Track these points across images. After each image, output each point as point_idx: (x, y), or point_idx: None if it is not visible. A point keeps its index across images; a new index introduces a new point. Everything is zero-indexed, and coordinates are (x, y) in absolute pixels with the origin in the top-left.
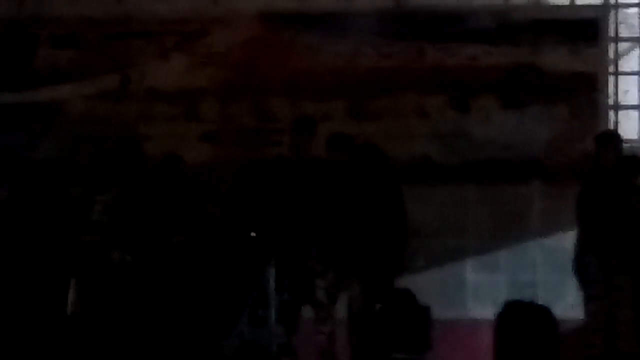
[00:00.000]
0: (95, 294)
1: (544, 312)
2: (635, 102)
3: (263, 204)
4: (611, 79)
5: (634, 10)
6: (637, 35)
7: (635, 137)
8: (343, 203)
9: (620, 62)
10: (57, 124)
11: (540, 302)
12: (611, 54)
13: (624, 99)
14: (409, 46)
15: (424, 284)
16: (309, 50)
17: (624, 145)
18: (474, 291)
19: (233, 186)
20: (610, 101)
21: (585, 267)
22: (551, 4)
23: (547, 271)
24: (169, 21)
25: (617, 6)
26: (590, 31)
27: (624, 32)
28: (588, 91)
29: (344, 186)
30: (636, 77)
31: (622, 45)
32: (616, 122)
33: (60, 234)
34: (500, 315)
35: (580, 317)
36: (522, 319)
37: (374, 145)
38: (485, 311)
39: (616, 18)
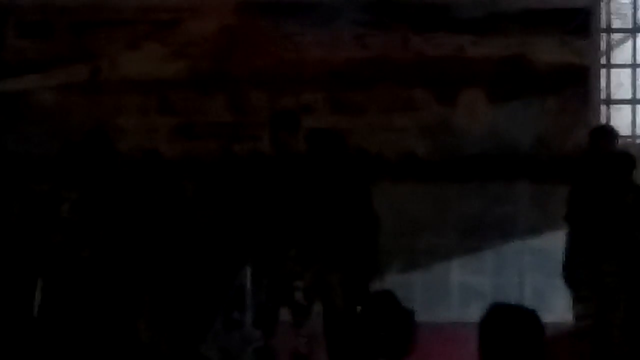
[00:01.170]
0: (63, 295)
1: (530, 316)
2: (628, 96)
3: (238, 202)
4: (603, 71)
5: (627, 0)
6: (629, 26)
7: (628, 132)
8: (319, 201)
9: (612, 54)
10: (24, 116)
11: (526, 305)
12: (603, 46)
13: (616, 93)
14: (392, 36)
15: (407, 286)
16: (287, 40)
17: (617, 141)
18: (459, 293)
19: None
20: (602, 95)
21: (575, 268)
22: None
23: (535, 272)
24: (141, 9)
25: None
26: (581, 22)
27: (616, 23)
28: (579, 84)
29: (319, 183)
30: (629, 70)
31: (615, 37)
32: (608, 117)
33: (27, 232)
34: (484, 320)
35: (569, 320)
36: (506, 323)
37: (335, 135)
38: (471, 314)
39: (608, 8)
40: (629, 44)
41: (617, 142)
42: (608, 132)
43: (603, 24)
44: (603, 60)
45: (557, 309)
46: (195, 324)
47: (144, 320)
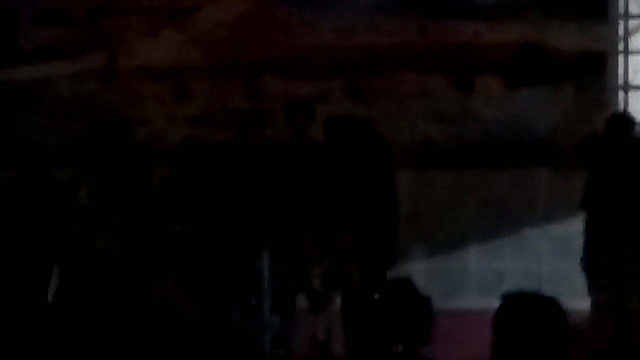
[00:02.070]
0: (79, 283)
1: (550, 304)
2: None
3: (256, 189)
4: (621, 57)
5: None
6: None
7: None
8: (338, 188)
9: (630, 40)
10: (41, 104)
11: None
12: (621, 32)
13: (634, 79)
14: (409, 23)
15: (425, 273)
16: (304, 27)
17: (635, 127)
18: (477, 280)
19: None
20: (620, 81)
21: (593, 255)
22: None
23: (553, 260)
24: None
25: None
26: (599, 7)
27: (634, 9)
28: (596, 70)
29: (338, 170)
30: None
31: (632, 23)
32: (626, 103)
33: (44, 218)
34: (500, 309)
35: (587, 308)
36: (525, 312)
37: (368, 125)
38: (489, 301)
39: None
40: None
41: (635, 128)
42: (625, 119)
43: (621, 10)
44: (621, 47)
45: (576, 295)
46: (212, 311)
47: (160, 308)
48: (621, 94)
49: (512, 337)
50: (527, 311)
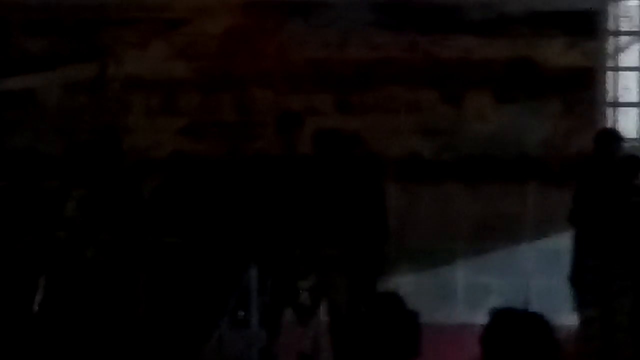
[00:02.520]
0: (65, 294)
1: (538, 320)
2: (635, 99)
3: (244, 202)
4: (610, 74)
5: (635, 2)
6: (637, 29)
7: (634, 135)
8: (325, 202)
9: (619, 57)
10: (30, 114)
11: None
12: (610, 49)
13: (623, 96)
14: (399, 37)
15: (412, 287)
16: (294, 40)
17: (623, 144)
18: (464, 295)
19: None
20: (609, 97)
21: (581, 271)
22: None
23: (541, 275)
24: (148, 8)
25: None
26: (588, 24)
27: (624, 26)
28: (586, 87)
29: (326, 184)
30: (636, 72)
31: (622, 40)
32: (614, 120)
33: (32, 228)
34: (493, 322)
35: (575, 324)
36: (513, 328)
37: (357, 139)
38: (476, 316)
39: (616, 11)
40: (637, 46)
41: (623, 144)
42: (613, 135)
43: (611, 27)
44: (610, 63)
45: (563, 311)
46: (200, 324)
47: (146, 320)
48: (610, 110)
49: (501, 354)
50: (515, 327)
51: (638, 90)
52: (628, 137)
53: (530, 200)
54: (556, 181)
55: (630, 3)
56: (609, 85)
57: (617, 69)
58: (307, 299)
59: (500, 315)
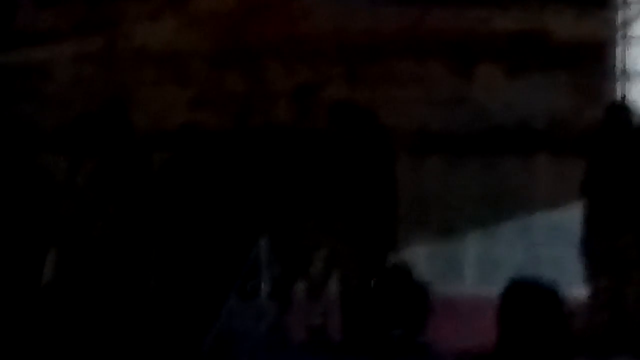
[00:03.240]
0: (74, 266)
1: (550, 291)
2: None
3: (255, 174)
4: (621, 45)
5: None
6: None
7: None
8: (338, 173)
9: (629, 28)
10: (39, 87)
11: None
12: (621, 19)
13: (634, 67)
14: (409, 9)
15: (423, 259)
16: (303, 12)
17: (634, 115)
18: (474, 266)
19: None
20: (620, 69)
21: (591, 242)
22: None
23: (552, 246)
24: None
25: None
26: None
27: None
28: (596, 58)
29: (340, 156)
30: None
31: (632, 10)
32: (626, 91)
33: (40, 202)
34: (505, 294)
35: (585, 294)
36: (528, 299)
37: (371, 113)
38: (487, 287)
39: None
40: None
41: (634, 116)
42: (624, 107)
43: None
44: (620, 34)
45: (573, 282)
46: (210, 297)
47: (156, 294)
48: (621, 81)
49: (516, 323)
50: (530, 298)
51: None
52: (639, 108)
53: (540, 172)
54: (567, 153)
55: None
56: (620, 56)
57: (627, 39)
58: (318, 272)
59: (518, 285)
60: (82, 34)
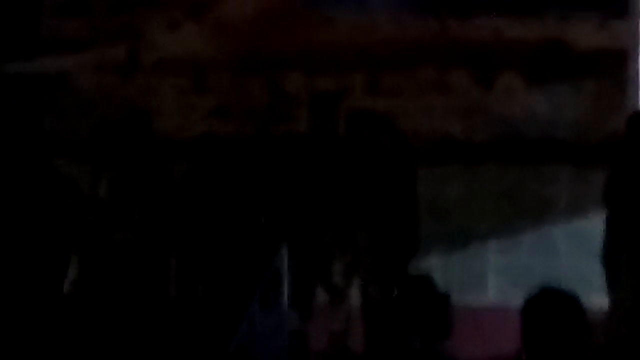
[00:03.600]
0: (96, 275)
1: (572, 300)
2: None
3: (276, 183)
4: None
5: None
6: None
7: None
8: (358, 183)
9: None
10: (61, 96)
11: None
12: None
13: None
14: (429, 18)
15: (444, 268)
16: (324, 22)
17: None
18: (496, 276)
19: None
20: None
21: (613, 253)
22: None
23: (573, 257)
24: None
25: None
26: (619, 4)
27: None
28: (617, 67)
29: (360, 165)
30: None
31: None
32: None
33: (63, 210)
34: (529, 303)
35: (606, 306)
36: (551, 306)
37: (388, 121)
38: (508, 297)
39: None
40: None
41: None
42: None
43: None
44: None
45: (594, 293)
46: (231, 306)
47: (177, 301)
48: None
49: (539, 333)
50: (554, 306)
51: None
52: None
53: (562, 181)
54: (588, 163)
55: None
56: None
57: None
58: (339, 281)
59: (539, 295)
60: (104, 44)
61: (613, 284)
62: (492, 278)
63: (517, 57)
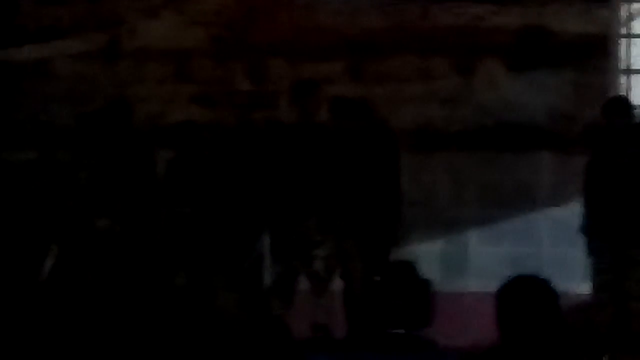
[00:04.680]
0: (76, 264)
1: (543, 285)
2: None
3: (257, 171)
4: (623, 41)
5: None
6: None
7: None
8: (341, 170)
9: (632, 24)
10: (42, 84)
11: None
12: (623, 16)
13: (636, 63)
14: (411, 5)
15: (425, 256)
16: (306, 8)
17: (636, 111)
18: (476, 264)
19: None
20: (622, 65)
21: (594, 240)
22: None
23: (554, 243)
24: None
25: None
26: None
27: None
28: (598, 54)
29: (341, 152)
30: None
31: (635, 6)
32: (628, 88)
33: (44, 198)
34: (501, 290)
35: (588, 291)
36: (523, 293)
37: (369, 108)
38: (488, 284)
39: None
40: None
41: (633, 112)
42: (622, 104)
43: None
44: (623, 30)
45: (576, 279)
46: (211, 294)
47: (157, 289)
48: (623, 77)
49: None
50: (523, 292)
51: None
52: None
53: (542, 169)
54: (569, 150)
55: None
56: (622, 53)
57: (630, 36)
58: (321, 268)
59: (513, 281)
60: (85, 31)
61: (594, 270)
62: (473, 265)
63: (498, 44)
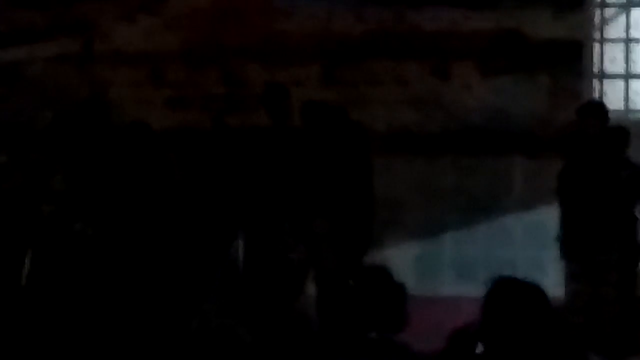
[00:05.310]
0: (52, 267)
1: (536, 290)
2: (622, 71)
3: (231, 174)
4: (596, 46)
5: None
6: (623, 0)
7: (621, 107)
8: (314, 173)
9: (606, 29)
10: (15, 87)
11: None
12: (597, 20)
13: (609, 68)
14: (386, 10)
15: (400, 259)
16: (281, 13)
17: (610, 115)
18: (451, 267)
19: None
20: (596, 69)
21: (568, 243)
22: None
23: (528, 247)
24: None
25: None
26: None
27: None
28: (572, 59)
29: (315, 155)
30: (622, 44)
31: (608, 11)
32: (601, 92)
33: (18, 202)
34: (489, 293)
35: (561, 296)
36: (513, 297)
37: (343, 112)
38: (463, 288)
39: None
40: (623, 18)
41: (607, 116)
42: (596, 108)
43: None
44: (597, 35)
45: (550, 284)
46: (186, 298)
47: (133, 293)
48: (597, 82)
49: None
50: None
51: (625, 61)
52: (615, 108)
53: (517, 172)
54: (543, 154)
55: None
56: (596, 57)
57: (603, 40)
58: (295, 272)
59: (502, 284)
60: (59, 34)
61: (568, 274)
62: (447, 268)
63: (472, 48)
